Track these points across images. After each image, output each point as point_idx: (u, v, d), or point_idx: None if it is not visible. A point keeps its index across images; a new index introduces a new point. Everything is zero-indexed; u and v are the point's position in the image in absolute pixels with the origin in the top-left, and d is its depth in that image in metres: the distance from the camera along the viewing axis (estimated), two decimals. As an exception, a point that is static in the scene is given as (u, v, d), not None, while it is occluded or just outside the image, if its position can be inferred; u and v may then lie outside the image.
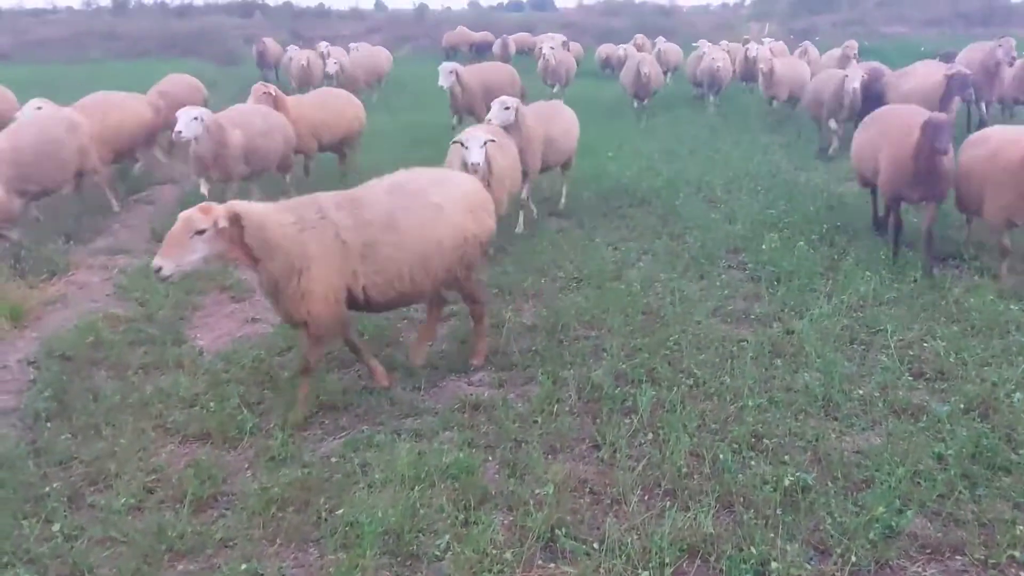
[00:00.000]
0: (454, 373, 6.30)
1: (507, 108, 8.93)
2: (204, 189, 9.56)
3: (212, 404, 5.70)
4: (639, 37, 26.77)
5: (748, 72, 19.13)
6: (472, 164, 7.36)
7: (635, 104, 18.22)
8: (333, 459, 5.08)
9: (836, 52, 20.36)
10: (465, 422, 5.51)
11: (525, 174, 9.21)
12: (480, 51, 36.23)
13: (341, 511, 4.50)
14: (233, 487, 4.86)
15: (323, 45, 22.84)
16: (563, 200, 10.59)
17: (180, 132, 9.04)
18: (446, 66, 13.42)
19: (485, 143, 7.49)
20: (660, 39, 24.61)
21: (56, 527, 4.42)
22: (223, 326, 7.30)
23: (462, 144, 7.56)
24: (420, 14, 52.04)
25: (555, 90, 19.49)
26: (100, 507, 4.63)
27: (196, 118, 9.12)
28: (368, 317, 7.11)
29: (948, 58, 14.47)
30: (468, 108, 13.52)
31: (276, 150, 10.46)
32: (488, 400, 5.80)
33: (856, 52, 17.73)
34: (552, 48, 19.89)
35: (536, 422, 5.45)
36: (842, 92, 13.03)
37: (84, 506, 4.70)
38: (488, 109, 9.29)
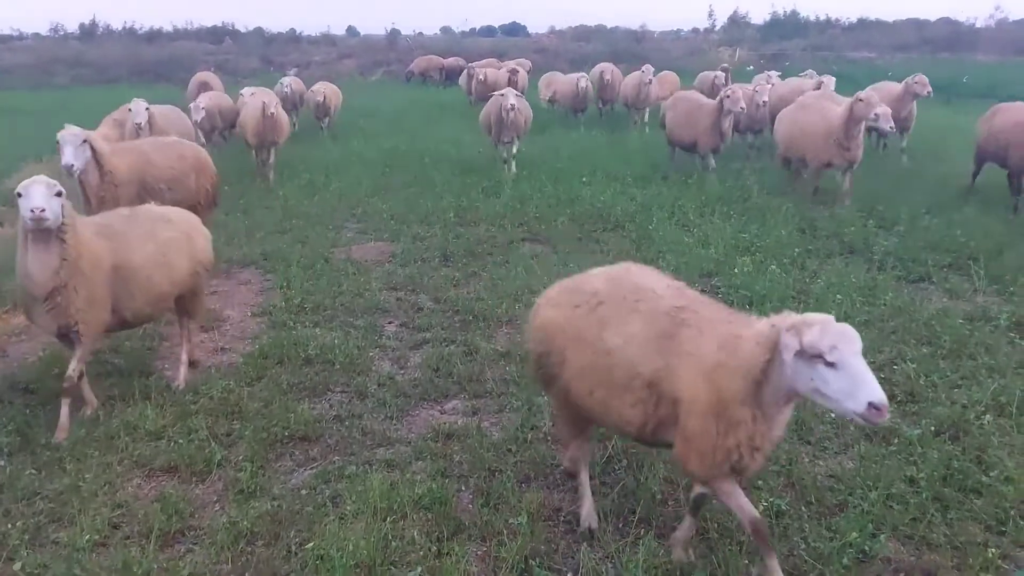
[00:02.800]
0: (427, 401, 6.25)
1: (83, 142, 6.56)
2: None
3: (180, 437, 5.59)
4: (611, 68, 22.29)
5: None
6: None
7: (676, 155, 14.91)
8: (303, 491, 5.00)
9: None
10: (438, 451, 5.45)
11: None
12: (451, 76, 36.57)
13: (312, 544, 4.42)
14: (201, 521, 4.76)
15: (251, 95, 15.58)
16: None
17: None
18: (75, 134, 7.71)
19: None
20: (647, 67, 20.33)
21: (17, 566, 4.30)
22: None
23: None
24: (392, 39, 52.22)
25: (510, 152, 14.69)
26: (64, 544, 4.51)
27: None
28: (342, 344, 7.05)
29: None
30: (113, 202, 7.74)
31: None
32: (462, 428, 5.74)
33: (927, 89, 14.55)
34: (516, 99, 14.41)
35: (510, 450, 5.41)
36: None
37: (47, 543, 4.57)
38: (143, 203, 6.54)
